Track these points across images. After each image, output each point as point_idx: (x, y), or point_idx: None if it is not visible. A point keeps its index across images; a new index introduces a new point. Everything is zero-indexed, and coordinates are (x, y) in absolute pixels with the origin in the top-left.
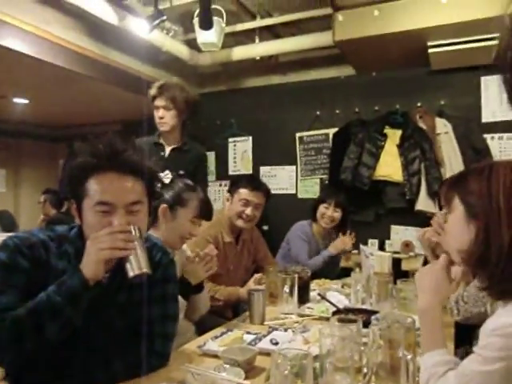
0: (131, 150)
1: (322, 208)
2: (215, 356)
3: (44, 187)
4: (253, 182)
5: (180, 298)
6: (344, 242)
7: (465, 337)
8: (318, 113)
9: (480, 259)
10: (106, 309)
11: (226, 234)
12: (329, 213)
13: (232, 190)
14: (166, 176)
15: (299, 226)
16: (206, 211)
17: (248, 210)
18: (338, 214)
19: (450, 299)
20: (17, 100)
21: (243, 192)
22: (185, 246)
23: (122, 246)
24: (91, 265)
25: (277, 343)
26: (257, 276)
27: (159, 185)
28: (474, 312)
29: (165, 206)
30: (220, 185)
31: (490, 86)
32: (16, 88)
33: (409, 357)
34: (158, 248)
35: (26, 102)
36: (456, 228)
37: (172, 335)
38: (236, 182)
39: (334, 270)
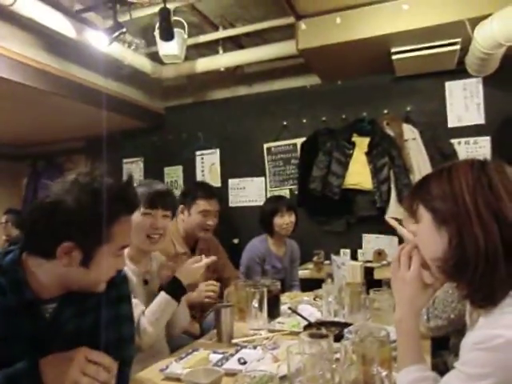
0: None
1: (277, 220)
2: (178, 380)
3: (6, 207)
4: (208, 190)
5: (170, 299)
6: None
7: (441, 344)
8: (285, 123)
9: (457, 265)
10: (52, 341)
11: (179, 245)
12: (286, 220)
13: (188, 202)
14: None
15: (253, 248)
16: (163, 200)
17: (210, 221)
18: (293, 217)
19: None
20: None
21: (202, 203)
22: (157, 253)
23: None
24: (57, 381)
25: (245, 362)
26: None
27: None
28: (443, 317)
29: None
30: None
31: (454, 91)
32: None
33: (384, 373)
34: None
35: None
36: (427, 237)
37: (130, 358)
38: (190, 193)
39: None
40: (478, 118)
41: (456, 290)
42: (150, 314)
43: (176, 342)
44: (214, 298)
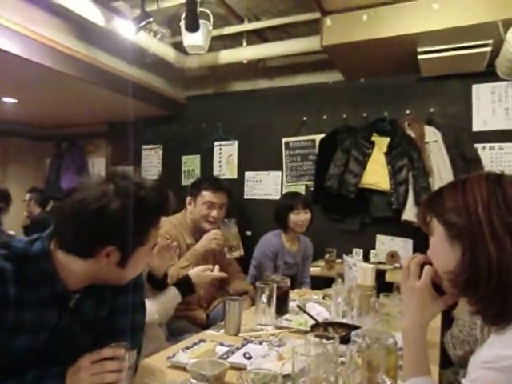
0: None
1: (293, 216)
2: (184, 369)
3: (30, 185)
4: (215, 182)
5: (180, 295)
6: None
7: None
8: (304, 118)
9: (469, 280)
10: (71, 328)
11: (187, 236)
12: (301, 218)
13: (194, 193)
14: None
15: (266, 242)
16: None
17: (214, 213)
18: (309, 214)
19: (446, 334)
20: (5, 99)
21: (206, 194)
22: None
23: (112, 380)
24: None
25: (250, 357)
26: (210, 234)
27: None
28: (471, 342)
29: None
30: None
31: (482, 95)
32: (5, 87)
33: (388, 382)
34: None
35: (15, 101)
36: (439, 250)
37: (140, 346)
38: (197, 185)
39: None
40: (505, 123)
41: (467, 304)
42: (158, 303)
43: (180, 329)
44: (219, 244)
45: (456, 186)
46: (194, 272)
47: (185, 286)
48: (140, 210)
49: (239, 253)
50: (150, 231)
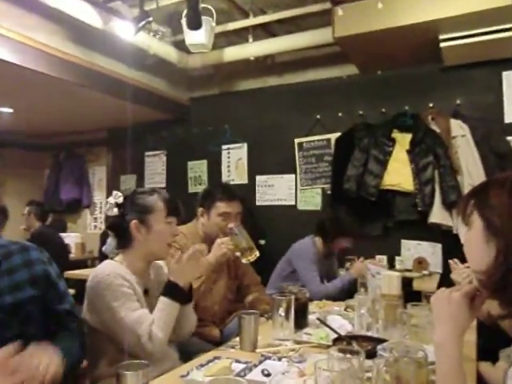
0: None
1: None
2: None
3: (29, 198)
4: (227, 191)
5: (171, 301)
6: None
7: None
8: (318, 116)
9: (499, 283)
10: None
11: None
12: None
13: (207, 205)
14: (117, 196)
15: (307, 247)
16: (172, 209)
17: (230, 224)
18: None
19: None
20: (1, 109)
21: (221, 205)
22: (162, 263)
23: None
24: None
25: (269, 374)
26: (218, 240)
27: (115, 209)
28: None
29: (135, 221)
30: None
31: None
32: (0, 97)
33: None
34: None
35: (11, 111)
36: (474, 246)
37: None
38: (209, 195)
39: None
40: None
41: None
42: (157, 320)
43: (192, 347)
44: (230, 253)
45: (504, 183)
46: (174, 271)
47: (171, 291)
48: None
49: (255, 255)
50: None
